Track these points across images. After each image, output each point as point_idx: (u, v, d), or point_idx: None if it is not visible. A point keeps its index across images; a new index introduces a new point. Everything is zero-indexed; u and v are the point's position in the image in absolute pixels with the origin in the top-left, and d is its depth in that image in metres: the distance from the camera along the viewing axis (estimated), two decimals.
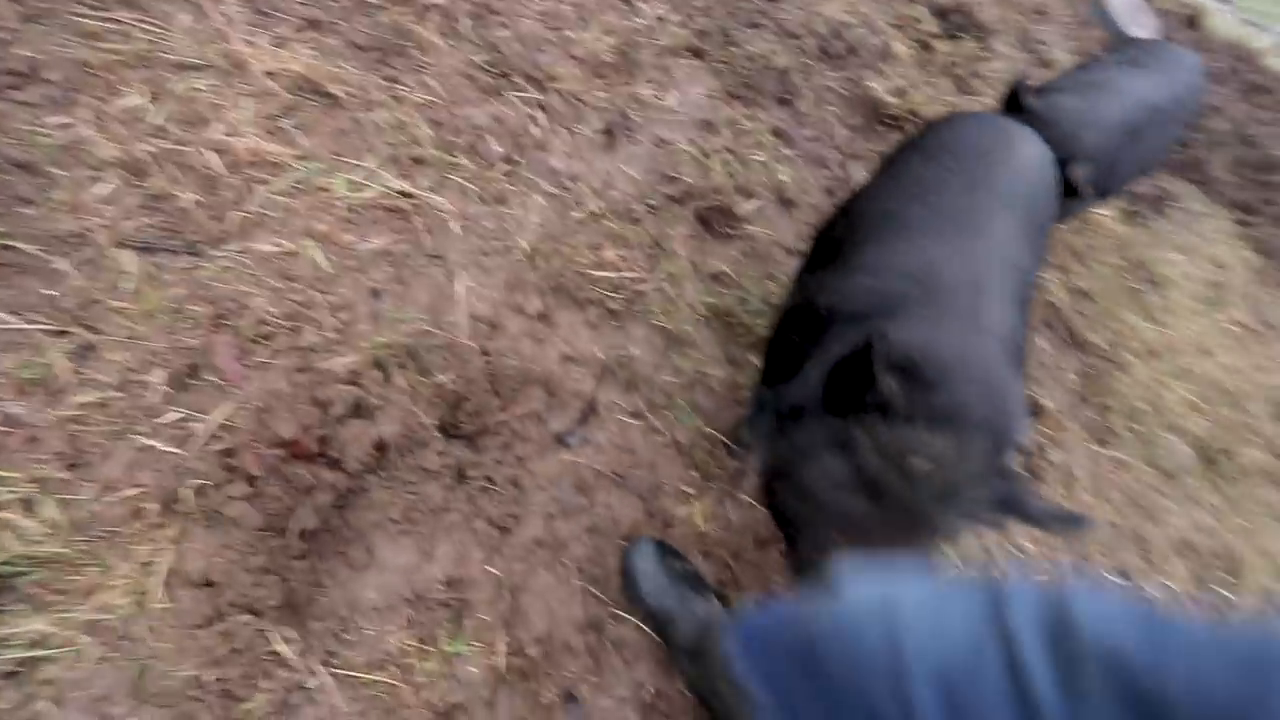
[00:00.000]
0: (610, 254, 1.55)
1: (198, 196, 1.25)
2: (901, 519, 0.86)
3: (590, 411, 1.38)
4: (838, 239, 1.20)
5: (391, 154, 1.44)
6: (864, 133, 2.24)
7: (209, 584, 0.97)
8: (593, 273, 1.50)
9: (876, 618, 0.60)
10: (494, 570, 1.15)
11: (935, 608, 0.59)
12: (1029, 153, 1.22)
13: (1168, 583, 1.73)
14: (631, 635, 1.17)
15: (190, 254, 1.20)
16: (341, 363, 1.19)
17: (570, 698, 1.10)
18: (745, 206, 1.81)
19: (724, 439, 1.43)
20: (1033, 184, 1.17)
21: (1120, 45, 1.97)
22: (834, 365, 0.90)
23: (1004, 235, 1.05)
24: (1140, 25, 3.28)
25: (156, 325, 1.12)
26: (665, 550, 1.22)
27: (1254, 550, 1.89)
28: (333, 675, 0.99)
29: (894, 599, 0.63)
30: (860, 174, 2.10)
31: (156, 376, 1.08)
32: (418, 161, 1.46)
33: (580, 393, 1.38)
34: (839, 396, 0.90)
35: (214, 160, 1.28)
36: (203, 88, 1.34)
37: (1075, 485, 1.80)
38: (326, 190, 1.35)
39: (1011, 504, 0.86)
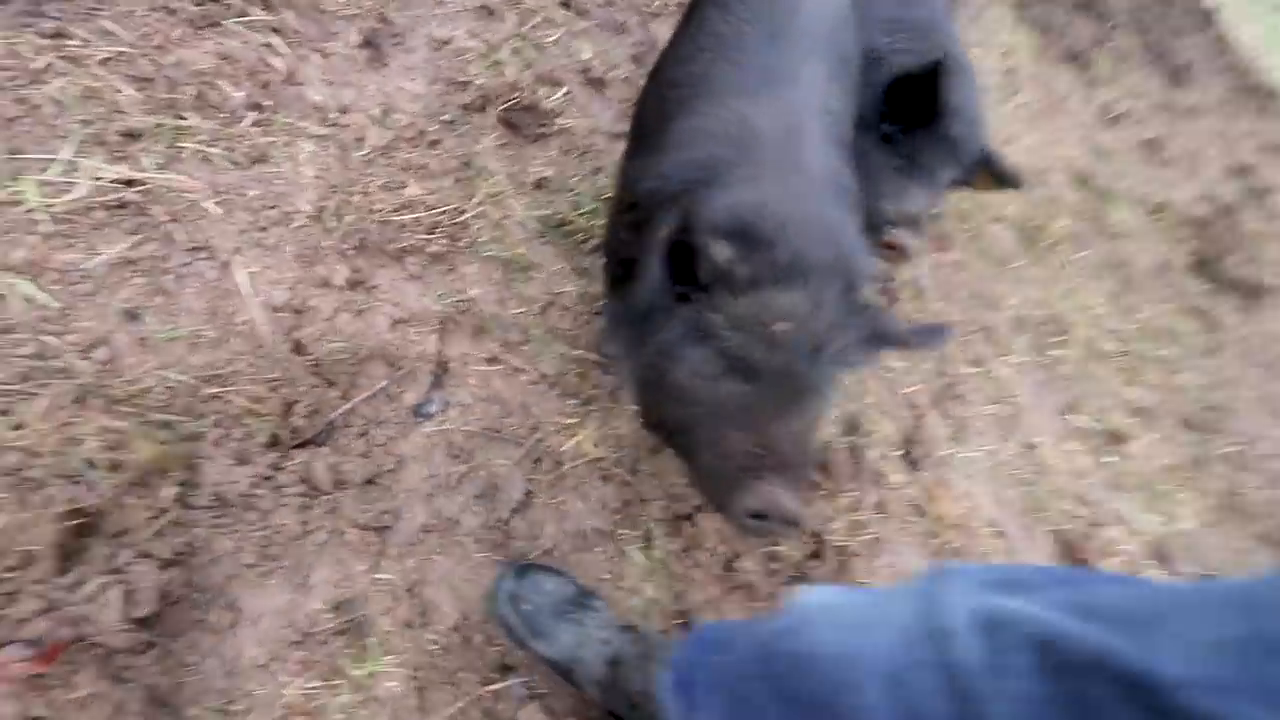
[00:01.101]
0: (414, 190, 1.33)
1: None
2: (781, 390, 0.81)
3: (442, 372, 1.22)
4: (649, 119, 1.07)
5: (91, 134, 1.11)
6: None
7: None
8: (399, 218, 1.28)
9: (822, 630, 0.63)
10: (384, 576, 1.02)
11: (873, 614, 0.61)
12: None
13: (1011, 359, 1.88)
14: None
15: None
16: (109, 418, 0.96)
17: (506, 669, 1.03)
18: (552, 98, 1.60)
19: (592, 357, 1.33)
20: (831, 19, 1.07)
21: None
22: (664, 251, 0.81)
23: (813, 81, 0.96)
24: None
25: None
26: (527, 576, 1.04)
27: (1075, 309, 2.09)
28: None
29: (835, 608, 0.66)
30: (664, 32, 1.91)
31: None
32: (131, 136, 1.14)
33: (425, 355, 1.21)
34: (680, 282, 0.82)
35: None
36: None
37: (925, 296, 1.87)
38: (15, 204, 1.02)
39: (879, 336, 0.84)
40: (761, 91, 0.93)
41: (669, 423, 0.90)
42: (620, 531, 1.19)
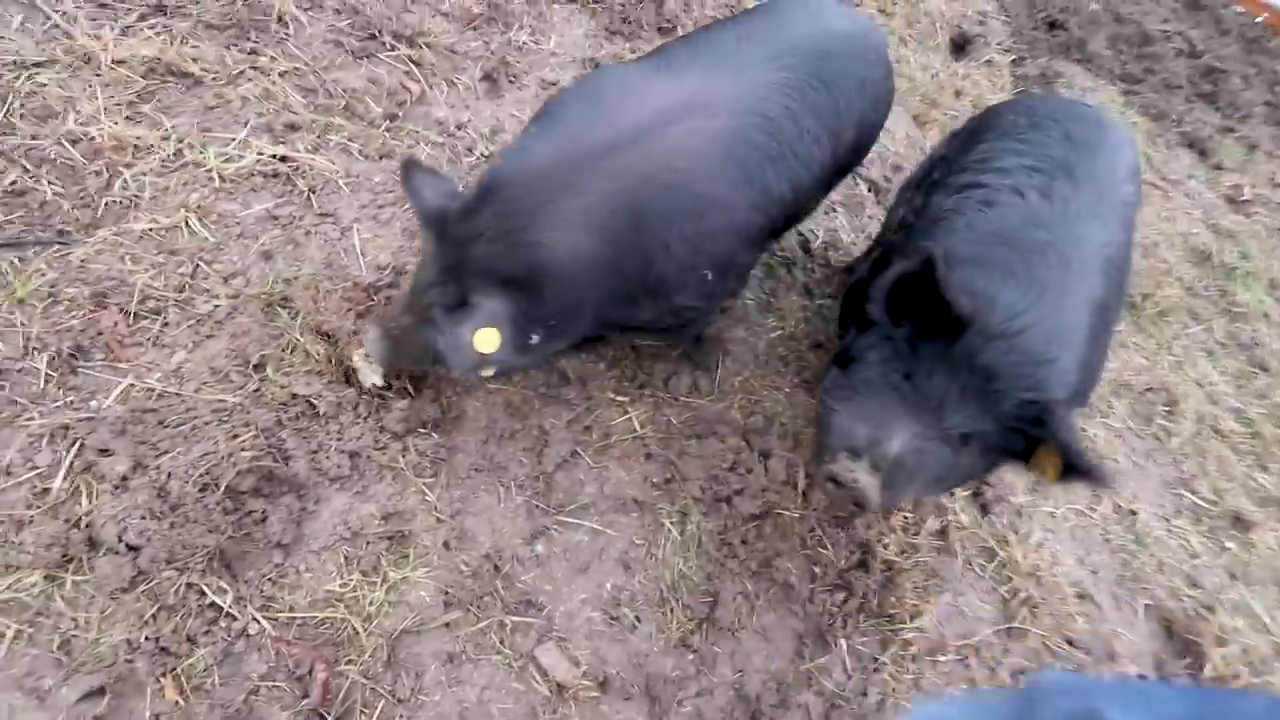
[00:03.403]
0: None
1: (59, 187, 1.24)
2: None
3: None
4: None
5: (264, 123, 1.45)
6: None
7: (130, 549, 0.97)
8: None
9: None
10: (431, 498, 1.16)
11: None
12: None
13: (1111, 421, 1.83)
14: (581, 538, 1.20)
15: (61, 244, 1.19)
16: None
17: (530, 606, 1.12)
18: None
19: (649, 345, 1.47)
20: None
21: None
22: None
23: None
24: None
25: (31, 311, 1.10)
26: None
27: (1187, 382, 2.02)
28: (272, 620, 1.00)
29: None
30: None
31: (40, 361, 1.07)
32: (292, 128, 1.47)
33: None
34: None
35: (72, 151, 1.27)
36: (48, 82, 1.33)
37: None
38: (199, 164, 1.34)
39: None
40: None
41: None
42: (659, 505, 1.28)
